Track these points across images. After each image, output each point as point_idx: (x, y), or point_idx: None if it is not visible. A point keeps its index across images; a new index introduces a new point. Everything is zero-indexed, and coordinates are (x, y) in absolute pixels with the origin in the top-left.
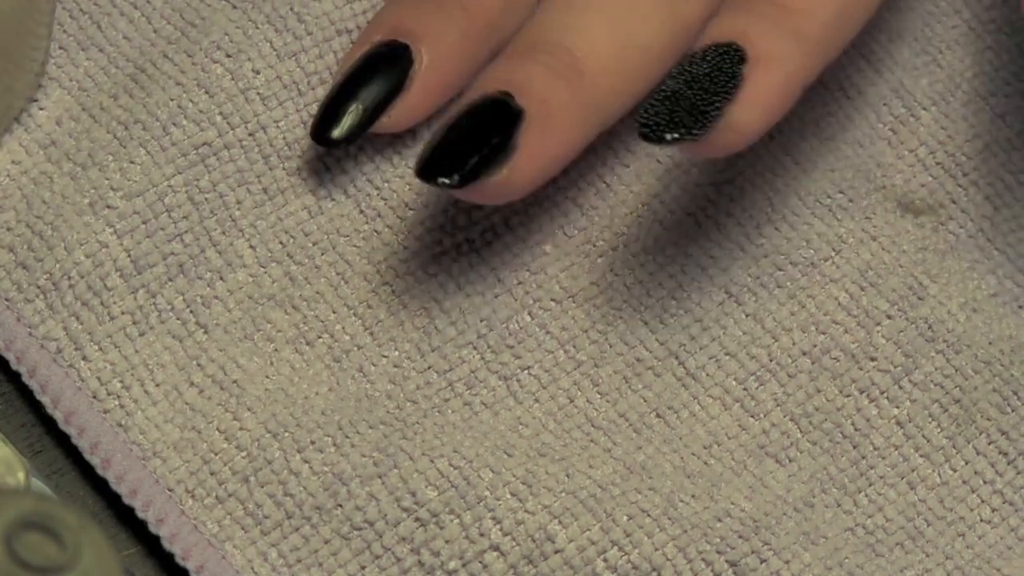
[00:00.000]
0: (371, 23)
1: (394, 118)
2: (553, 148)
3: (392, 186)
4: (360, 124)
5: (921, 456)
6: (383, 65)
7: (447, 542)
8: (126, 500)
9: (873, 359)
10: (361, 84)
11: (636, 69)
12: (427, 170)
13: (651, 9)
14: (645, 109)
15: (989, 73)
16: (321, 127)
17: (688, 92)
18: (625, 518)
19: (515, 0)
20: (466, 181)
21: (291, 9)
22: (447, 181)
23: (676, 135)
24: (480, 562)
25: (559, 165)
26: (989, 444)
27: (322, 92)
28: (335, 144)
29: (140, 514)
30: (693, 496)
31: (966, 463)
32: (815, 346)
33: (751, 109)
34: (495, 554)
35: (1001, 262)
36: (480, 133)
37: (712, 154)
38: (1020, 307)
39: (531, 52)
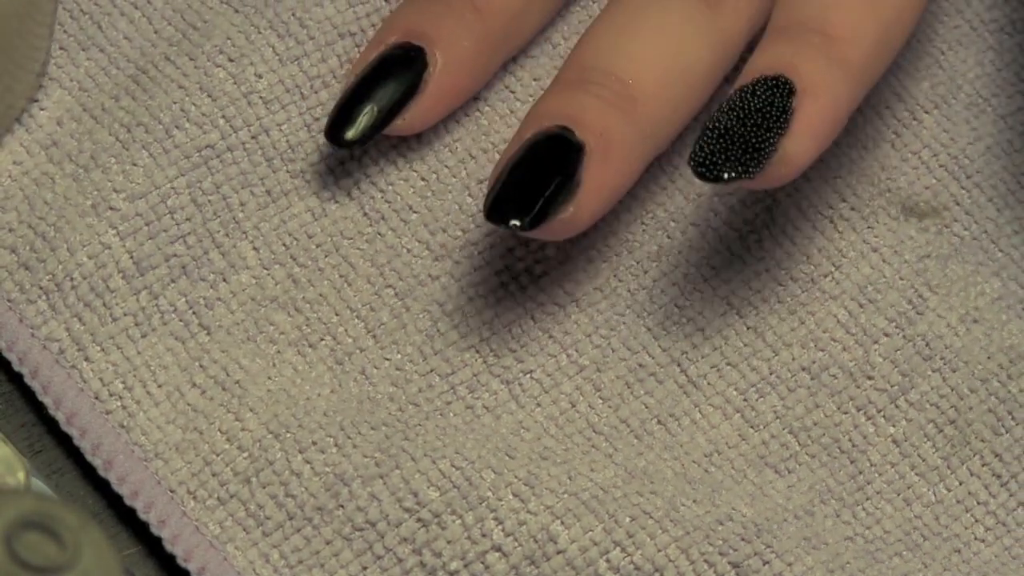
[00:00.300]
0: (384, 25)
1: (408, 121)
2: (614, 179)
3: (396, 188)
4: (374, 125)
5: (917, 474)
6: (397, 67)
7: (449, 543)
8: (128, 502)
9: (870, 378)
10: (375, 85)
11: (685, 90)
12: (496, 213)
13: (695, 28)
14: (700, 148)
15: (991, 74)
16: (335, 127)
17: (741, 129)
18: (628, 519)
19: (530, 3)
20: (536, 223)
21: (293, 14)
22: (517, 224)
23: (733, 174)
24: (482, 563)
25: (620, 195)
26: (983, 466)
27: (325, 96)
28: (349, 145)
29: (142, 516)
30: (695, 500)
31: (960, 483)
32: (814, 362)
33: (802, 141)
34: (497, 555)
35: (1005, 264)
36: (544, 171)
37: (763, 187)
38: None
39: (582, 82)
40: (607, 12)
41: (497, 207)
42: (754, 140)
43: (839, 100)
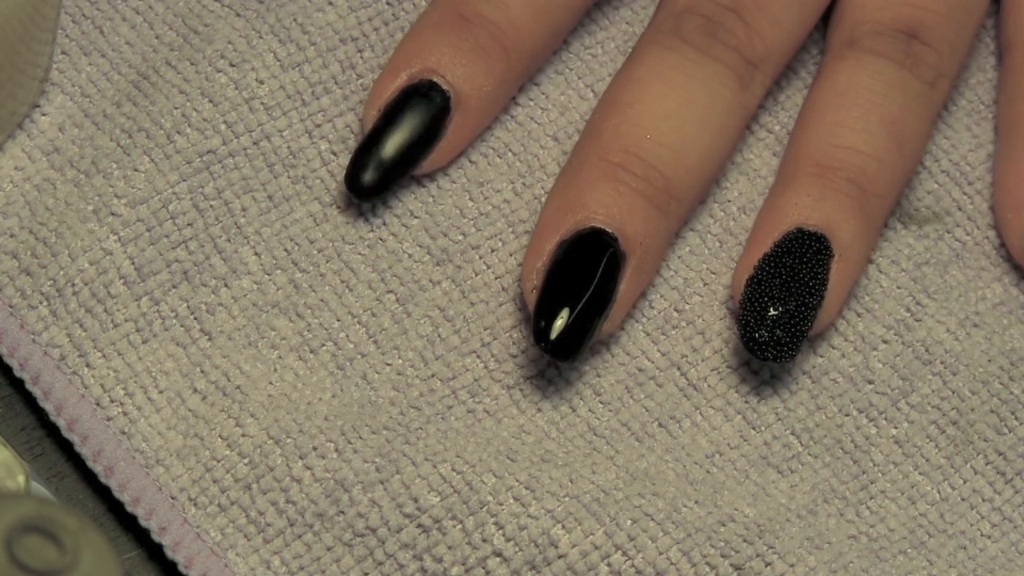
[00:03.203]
0: (406, 49)
1: (427, 165)
2: (643, 285)
3: (397, 194)
4: (395, 175)
5: (920, 474)
6: (418, 113)
7: (450, 548)
8: (129, 508)
9: (871, 382)
10: (395, 133)
11: (713, 174)
12: (547, 350)
13: (732, 112)
14: (753, 337)
15: (992, 80)
16: (354, 176)
17: (790, 322)
18: (629, 522)
19: (553, 40)
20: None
21: (295, 19)
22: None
23: (786, 361)
24: (483, 568)
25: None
26: (987, 464)
27: (327, 102)
28: (367, 194)
29: (143, 522)
30: (696, 502)
31: (964, 482)
32: (814, 367)
33: (831, 310)
34: (498, 559)
35: (1007, 269)
36: (588, 312)
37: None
38: None
39: (623, 173)
40: (647, 83)
41: (547, 348)
42: (801, 327)
43: (863, 260)
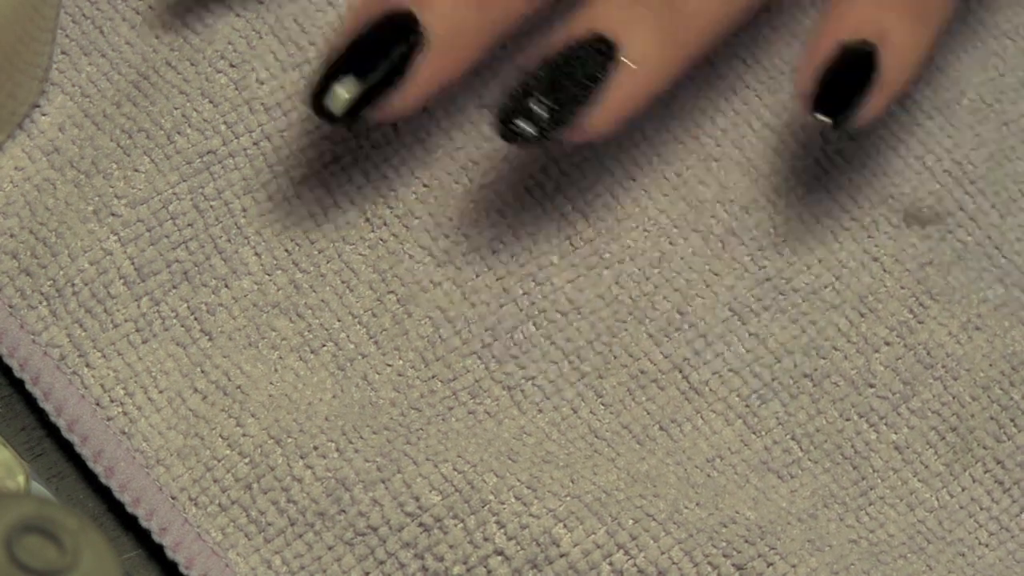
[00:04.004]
0: None
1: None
2: (443, 72)
3: (397, 194)
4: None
5: (919, 481)
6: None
7: (451, 547)
8: (129, 509)
9: (872, 385)
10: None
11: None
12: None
13: None
14: (504, 108)
15: (995, 79)
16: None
17: (548, 101)
18: (631, 522)
19: None
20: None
21: (295, 20)
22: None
23: (532, 137)
24: (484, 567)
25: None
26: (985, 472)
27: None
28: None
29: (143, 523)
30: (698, 504)
31: (963, 489)
32: (816, 370)
33: (607, 117)
34: (499, 559)
35: (1009, 270)
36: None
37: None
38: None
39: None
40: None
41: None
42: (561, 111)
43: (653, 79)
